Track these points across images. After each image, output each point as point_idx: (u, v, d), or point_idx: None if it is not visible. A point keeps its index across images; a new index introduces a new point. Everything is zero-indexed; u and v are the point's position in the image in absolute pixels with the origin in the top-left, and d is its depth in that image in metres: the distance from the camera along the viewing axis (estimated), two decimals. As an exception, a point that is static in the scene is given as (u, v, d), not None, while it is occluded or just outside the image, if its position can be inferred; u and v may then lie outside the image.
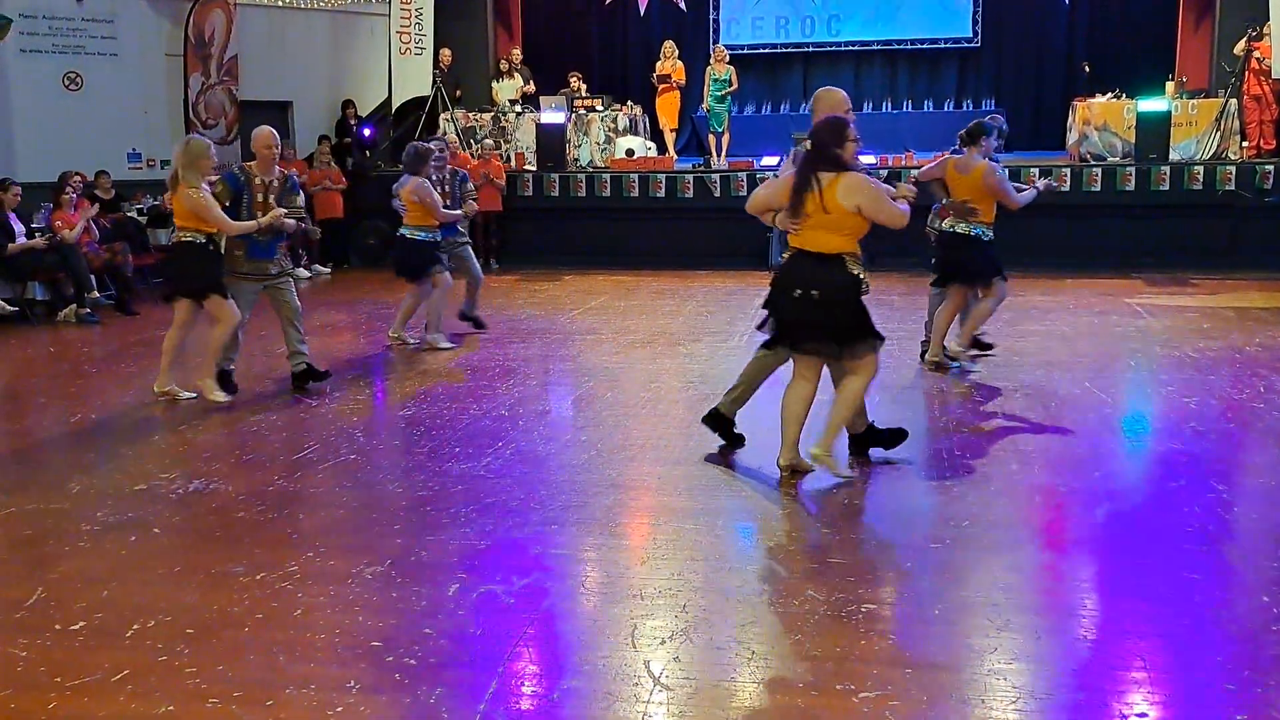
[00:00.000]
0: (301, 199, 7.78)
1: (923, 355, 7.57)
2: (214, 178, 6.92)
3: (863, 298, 5.00)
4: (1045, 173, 12.37)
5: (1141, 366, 7.60)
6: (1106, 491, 5.05)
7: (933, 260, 7.50)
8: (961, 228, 7.13)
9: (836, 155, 4.88)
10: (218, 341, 6.86)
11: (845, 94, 5.53)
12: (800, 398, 5.12)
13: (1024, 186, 7.66)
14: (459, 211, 8.71)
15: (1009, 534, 4.50)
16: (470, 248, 9.17)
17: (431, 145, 8.84)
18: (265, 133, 7.11)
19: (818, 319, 4.96)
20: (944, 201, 7.29)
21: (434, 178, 8.67)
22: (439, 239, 8.53)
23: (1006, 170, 7.42)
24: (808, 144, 5.03)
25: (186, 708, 3.17)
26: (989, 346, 7.75)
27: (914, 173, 7.57)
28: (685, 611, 3.74)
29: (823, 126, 4.97)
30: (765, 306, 5.20)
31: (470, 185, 9.21)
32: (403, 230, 8.50)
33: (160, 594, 3.96)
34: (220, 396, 6.82)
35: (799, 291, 4.94)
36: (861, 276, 4.97)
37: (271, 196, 7.01)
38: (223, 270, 6.91)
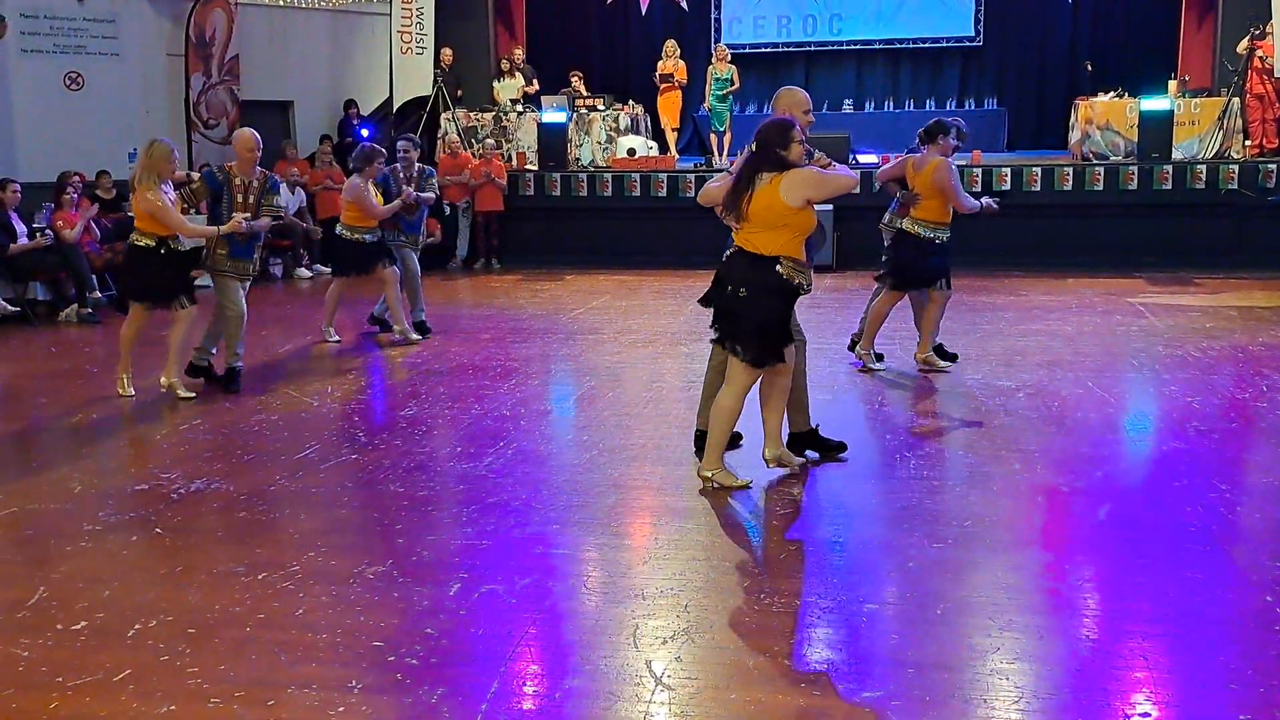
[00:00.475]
0: (281, 198, 7.84)
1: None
2: (195, 175, 6.98)
3: (793, 305, 4.90)
4: (1047, 172, 12.43)
5: (1144, 366, 7.59)
6: (1109, 491, 5.04)
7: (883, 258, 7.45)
8: (912, 227, 7.13)
9: (780, 156, 4.79)
10: (177, 338, 6.95)
11: (806, 94, 5.45)
12: (772, 387, 5.09)
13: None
14: (396, 204, 8.59)
15: (1011, 533, 4.50)
16: (416, 255, 8.96)
17: (400, 144, 8.89)
18: (247, 135, 7.24)
19: (736, 319, 4.88)
20: (899, 195, 7.34)
21: (401, 175, 8.74)
22: (373, 240, 8.51)
23: (964, 171, 7.41)
24: (752, 146, 4.90)
25: (188, 707, 3.17)
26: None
27: (876, 171, 7.57)
28: (687, 611, 3.74)
29: (768, 126, 4.86)
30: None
31: (434, 181, 9.19)
32: (338, 227, 8.60)
33: (162, 594, 3.96)
34: (185, 393, 6.92)
35: (729, 289, 4.90)
36: (795, 282, 4.83)
37: (251, 197, 7.08)
38: (179, 277, 6.96)
